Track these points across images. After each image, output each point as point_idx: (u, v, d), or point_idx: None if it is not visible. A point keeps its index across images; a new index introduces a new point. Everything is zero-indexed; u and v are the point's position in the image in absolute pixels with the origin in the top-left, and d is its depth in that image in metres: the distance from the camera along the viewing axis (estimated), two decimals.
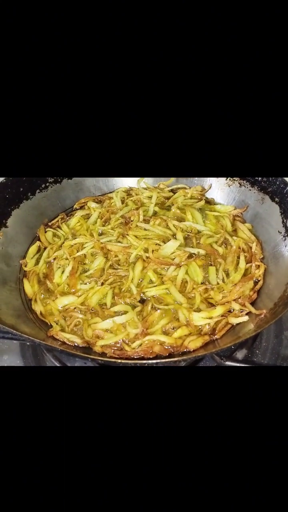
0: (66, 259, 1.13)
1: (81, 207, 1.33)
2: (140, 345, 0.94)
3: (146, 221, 1.23)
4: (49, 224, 1.26)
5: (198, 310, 1.00)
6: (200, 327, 0.97)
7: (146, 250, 1.12)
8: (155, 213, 1.26)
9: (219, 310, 0.98)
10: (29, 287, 1.10)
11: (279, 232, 1.10)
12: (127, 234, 1.17)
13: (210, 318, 0.97)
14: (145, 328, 0.96)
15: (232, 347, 1.00)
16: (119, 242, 1.17)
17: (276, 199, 1.13)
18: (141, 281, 1.07)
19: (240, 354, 1.05)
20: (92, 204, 1.31)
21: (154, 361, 0.88)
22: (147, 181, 1.39)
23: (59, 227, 1.25)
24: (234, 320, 0.97)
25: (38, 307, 1.05)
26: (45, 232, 1.22)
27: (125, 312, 0.99)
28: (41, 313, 1.04)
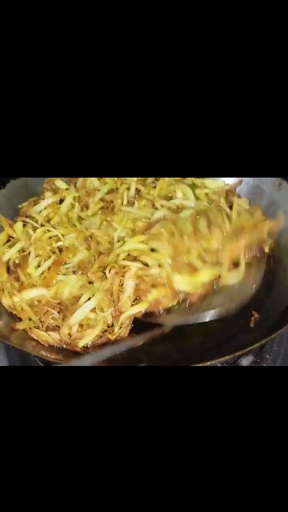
0: (49, 254, 0.95)
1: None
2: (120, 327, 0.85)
3: (130, 203, 1.07)
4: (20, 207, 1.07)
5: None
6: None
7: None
8: (138, 192, 1.10)
9: (205, 275, 0.87)
10: None
11: None
12: (112, 220, 1.01)
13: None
14: (116, 302, 0.86)
15: None
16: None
17: None
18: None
19: (245, 361, 0.93)
20: (61, 184, 1.11)
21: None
22: None
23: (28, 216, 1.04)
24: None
25: (6, 300, 0.88)
26: (15, 223, 1.03)
27: (93, 295, 0.85)
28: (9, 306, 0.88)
